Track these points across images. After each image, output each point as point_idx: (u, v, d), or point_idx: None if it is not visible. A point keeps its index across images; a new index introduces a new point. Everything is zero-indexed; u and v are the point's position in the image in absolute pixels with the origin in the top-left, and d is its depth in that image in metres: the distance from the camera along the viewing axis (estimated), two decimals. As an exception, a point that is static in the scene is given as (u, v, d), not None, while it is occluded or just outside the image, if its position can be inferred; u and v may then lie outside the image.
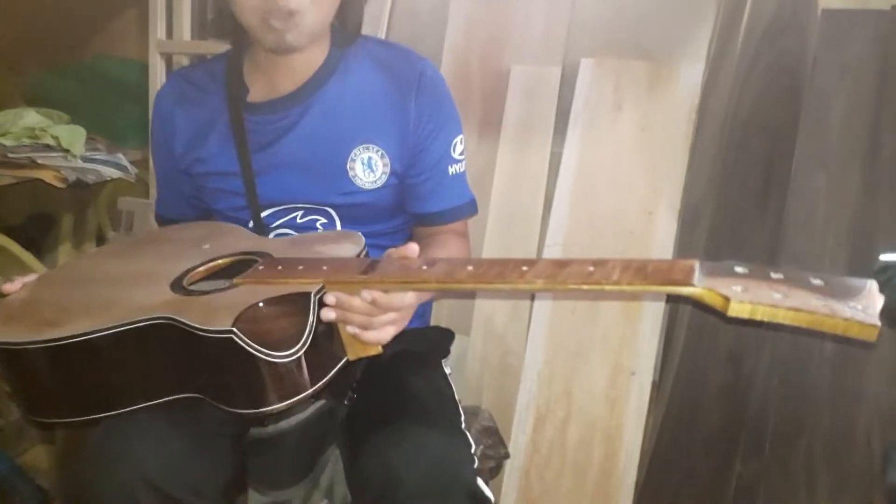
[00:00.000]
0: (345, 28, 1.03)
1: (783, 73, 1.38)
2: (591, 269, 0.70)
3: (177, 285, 0.84)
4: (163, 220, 1.17)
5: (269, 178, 1.01)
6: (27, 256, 1.88)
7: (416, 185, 1.03)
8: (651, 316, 1.40)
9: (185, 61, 1.77)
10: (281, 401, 0.74)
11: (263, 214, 1.03)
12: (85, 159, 1.86)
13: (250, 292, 0.77)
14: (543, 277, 0.70)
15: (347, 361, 0.81)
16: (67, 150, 1.84)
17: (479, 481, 0.87)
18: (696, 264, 0.66)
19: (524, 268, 0.72)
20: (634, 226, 1.43)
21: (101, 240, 2.11)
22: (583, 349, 1.42)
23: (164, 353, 0.78)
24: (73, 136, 1.86)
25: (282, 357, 0.73)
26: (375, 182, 1.01)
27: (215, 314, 0.74)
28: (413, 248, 0.81)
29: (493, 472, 1.37)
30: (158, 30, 1.76)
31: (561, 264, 0.72)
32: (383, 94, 1.00)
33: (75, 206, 2.06)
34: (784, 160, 1.36)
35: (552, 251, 1.47)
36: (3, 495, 1.35)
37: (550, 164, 1.50)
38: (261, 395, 0.73)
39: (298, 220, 1.03)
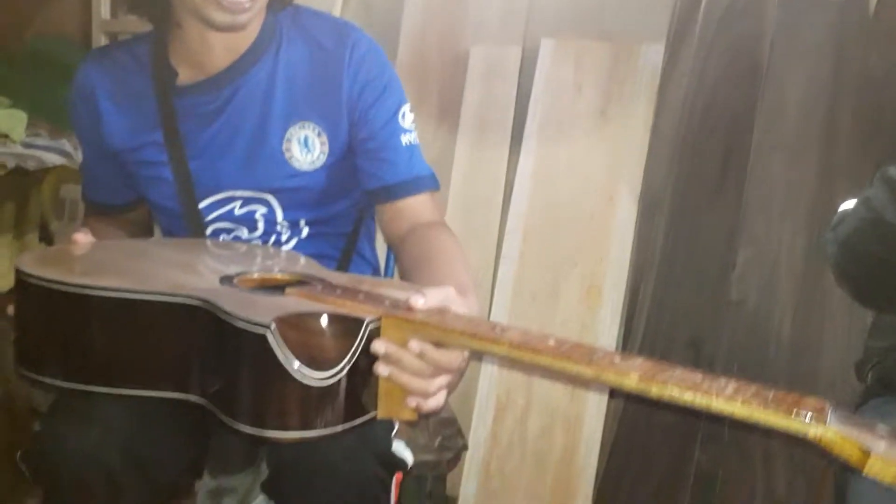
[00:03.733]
0: None
1: (741, 57, 1.38)
2: (700, 377, 0.60)
3: (226, 280, 0.78)
4: (92, 205, 1.10)
5: (202, 166, 0.96)
6: (-37, 247, 1.80)
7: (368, 159, 0.97)
8: (611, 303, 1.39)
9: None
10: (284, 429, 0.66)
11: (200, 206, 0.98)
12: (26, 145, 1.78)
13: (299, 303, 0.71)
14: (640, 372, 0.60)
15: (374, 418, 0.71)
16: (6, 136, 1.77)
17: (398, 445, 0.84)
18: (828, 405, 0.58)
19: (616, 358, 0.62)
20: (594, 210, 1.41)
21: (44, 229, 2.02)
22: (543, 336, 1.41)
23: (187, 340, 0.71)
24: (12, 121, 1.79)
25: (309, 376, 0.65)
26: (314, 163, 0.96)
27: (257, 308, 0.67)
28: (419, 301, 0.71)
29: (450, 465, 1.35)
30: (102, 9, 1.70)
31: (663, 367, 0.62)
32: (316, 67, 0.95)
33: (16, 194, 1.97)
34: (742, 144, 1.36)
35: (513, 237, 1.45)
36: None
37: (511, 149, 1.48)
38: (267, 414, 0.66)
39: (236, 212, 0.98)
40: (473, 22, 1.51)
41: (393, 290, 0.77)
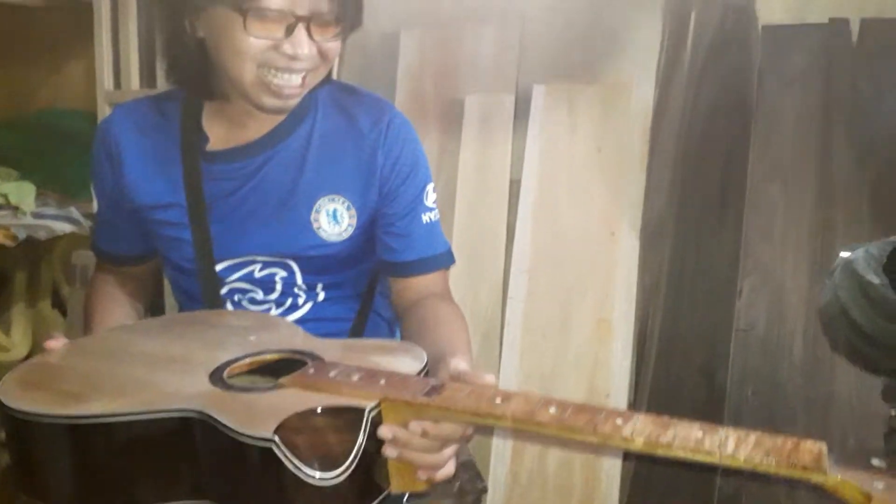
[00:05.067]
0: None
1: (731, 89, 1.41)
2: (700, 433, 0.61)
3: (216, 377, 0.76)
4: (102, 253, 1.09)
5: (226, 231, 0.96)
6: (-22, 319, 1.82)
7: (388, 234, 0.98)
8: (622, 335, 1.40)
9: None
10: None
11: (218, 268, 0.98)
12: (35, 215, 1.81)
13: (296, 397, 0.70)
14: (643, 436, 0.61)
15: (389, 494, 0.72)
16: (17, 208, 1.79)
17: None
18: (824, 447, 0.60)
19: (618, 420, 0.63)
20: (597, 245, 1.43)
21: (56, 296, 2.04)
22: (556, 373, 1.41)
23: (189, 450, 0.70)
24: (21, 192, 1.81)
25: (322, 479, 0.64)
26: (341, 234, 0.96)
27: (256, 417, 0.66)
28: (490, 379, 0.72)
29: (472, 508, 1.34)
30: (106, 80, 1.74)
31: (664, 424, 0.62)
32: (350, 142, 0.96)
33: (28, 263, 2.00)
34: (739, 172, 1.38)
35: (519, 278, 1.47)
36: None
37: (510, 190, 1.51)
38: None
39: (256, 274, 0.98)
40: (467, 71, 1.55)
41: (386, 356, 0.77)
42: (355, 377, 0.72)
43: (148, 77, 1.77)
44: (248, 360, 0.80)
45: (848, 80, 1.36)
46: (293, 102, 0.90)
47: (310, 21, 0.84)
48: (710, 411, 1.33)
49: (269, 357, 0.82)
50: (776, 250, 1.33)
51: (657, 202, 1.44)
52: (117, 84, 1.75)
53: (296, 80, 0.87)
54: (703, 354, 1.35)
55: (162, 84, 1.05)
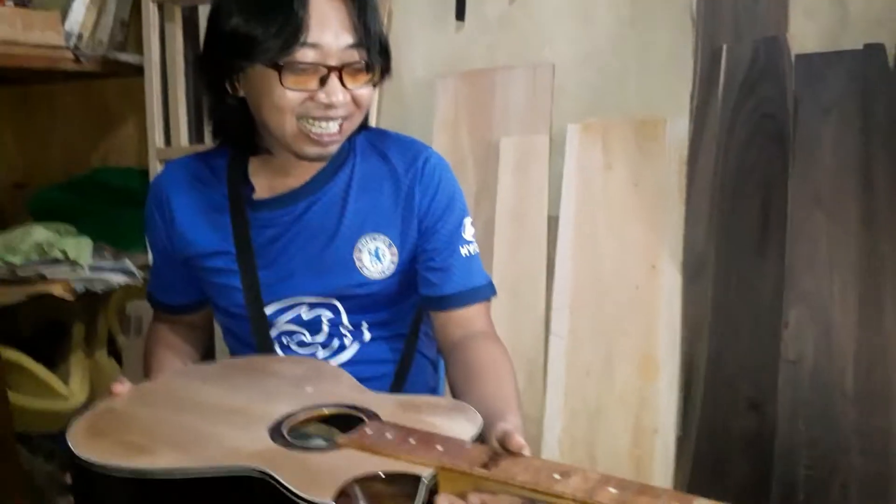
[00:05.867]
0: None
1: (766, 119, 1.41)
2: None
3: (276, 432, 0.78)
4: (157, 304, 1.14)
5: (273, 275, 1.00)
6: (39, 369, 1.89)
7: (428, 269, 1.00)
8: (667, 372, 1.38)
9: (185, 164, 1.81)
10: None
11: (267, 311, 1.01)
12: (92, 268, 1.88)
13: (354, 459, 0.71)
14: None
15: None
16: (75, 262, 1.87)
17: None
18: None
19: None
20: (639, 280, 1.43)
21: (112, 345, 2.11)
22: (602, 411, 1.40)
23: None
24: (79, 247, 1.89)
25: None
26: (383, 272, 0.99)
27: (315, 480, 0.67)
28: (524, 449, 0.72)
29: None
30: (157, 138, 1.82)
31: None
32: (388, 182, 1.00)
33: (86, 314, 2.07)
34: (779, 202, 1.37)
35: (561, 315, 1.47)
36: None
37: (549, 227, 1.52)
38: None
39: (304, 316, 1.01)
40: (500, 114, 1.59)
41: (441, 417, 0.78)
42: (412, 440, 0.72)
43: (196, 133, 1.85)
44: (303, 416, 0.82)
45: (886, 105, 1.34)
46: (333, 149, 0.94)
47: (341, 70, 0.89)
48: (760, 445, 1.30)
49: (326, 412, 0.83)
50: (821, 279, 1.31)
51: (697, 234, 1.44)
52: (167, 141, 1.83)
53: (333, 127, 0.91)
54: (750, 387, 1.33)
55: (210, 140, 1.10)
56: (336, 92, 0.89)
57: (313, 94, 0.89)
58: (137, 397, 0.89)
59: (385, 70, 0.96)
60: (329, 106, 0.89)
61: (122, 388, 0.88)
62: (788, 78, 1.41)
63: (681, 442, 1.39)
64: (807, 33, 1.42)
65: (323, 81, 0.88)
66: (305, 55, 0.87)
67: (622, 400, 1.39)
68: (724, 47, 1.44)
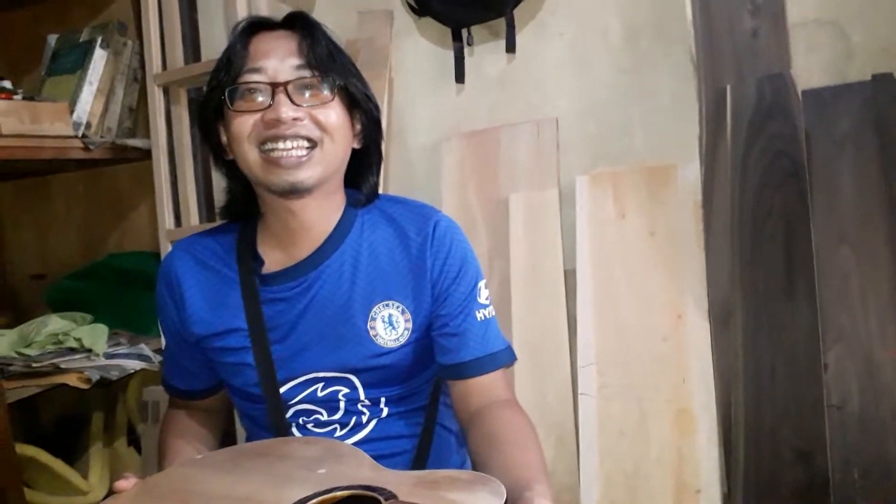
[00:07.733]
0: (360, 193, 1.02)
1: (780, 157, 1.38)
2: None
3: None
4: (172, 389, 1.11)
5: (286, 350, 0.97)
6: (57, 464, 1.85)
7: (444, 335, 0.97)
8: (705, 425, 1.32)
9: (196, 245, 1.81)
10: None
11: (282, 390, 0.98)
12: (108, 356, 1.86)
13: None
14: None
15: None
16: (90, 350, 1.85)
17: None
18: None
19: None
20: (666, 331, 1.38)
21: (131, 432, 2.07)
22: (640, 472, 1.33)
23: None
24: (94, 335, 1.88)
25: None
26: (398, 339, 0.96)
27: None
28: None
29: None
30: (167, 219, 1.82)
31: None
32: (398, 248, 0.98)
33: (105, 403, 2.04)
34: (803, 240, 1.33)
35: (587, 373, 1.42)
36: None
37: (566, 281, 1.48)
38: None
39: (319, 394, 0.98)
40: (508, 171, 1.57)
41: (462, 492, 0.73)
42: None
43: (207, 212, 1.85)
44: (318, 501, 0.77)
45: (901, 133, 1.31)
46: (304, 176, 0.91)
47: (286, 87, 0.90)
48: (814, 498, 1.22)
49: (339, 495, 0.79)
50: (857, 316, 1.26)
51: (721, 280, 1.39)
52: (177, 222, 1.83)
53: (295, 149, 0.90)
54: (796, 437, 1.26)
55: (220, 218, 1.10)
56: (281, 105, 0.89)
57: (264, 114, 0.90)
58: (144, 492, 0.85)
59: (350, 93, 0.95)
60: (277, 120, 0.89)
61: (127, 483, 0.85)
62: (797, 114, 1.38)
63: (727, 500, 1.31)
64: (811, 68, 1.41)
65: (273, 100, 0.90)
66: (250, 77, 0.91)
67: (660, 459, 1.32)
68: (728, 87, 1.42)
